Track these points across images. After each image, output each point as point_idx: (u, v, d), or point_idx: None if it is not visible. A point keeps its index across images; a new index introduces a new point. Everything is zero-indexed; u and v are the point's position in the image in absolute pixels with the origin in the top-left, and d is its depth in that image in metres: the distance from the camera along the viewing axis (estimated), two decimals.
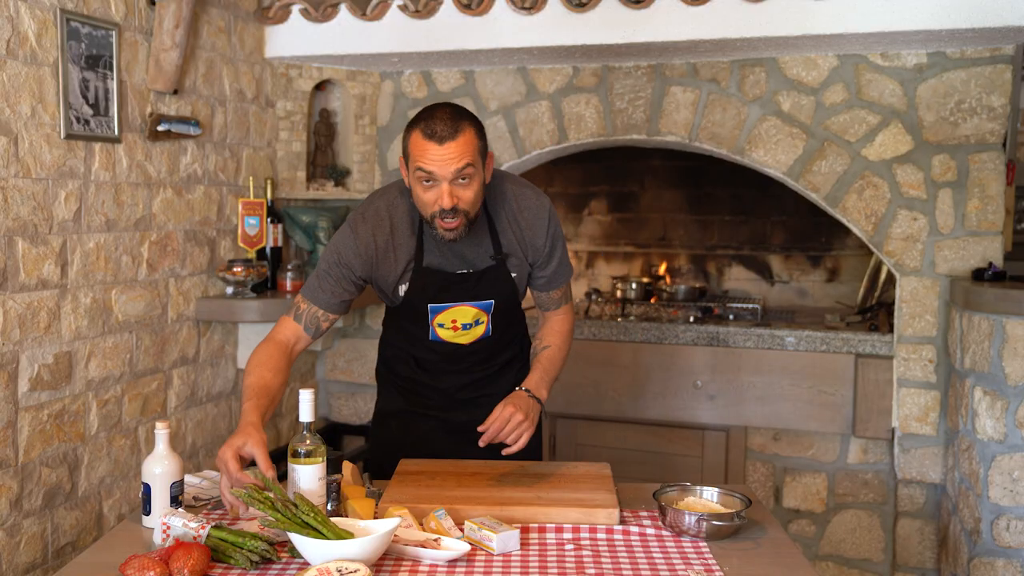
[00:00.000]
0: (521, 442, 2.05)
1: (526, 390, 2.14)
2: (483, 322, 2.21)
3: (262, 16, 3.53)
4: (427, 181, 1.96)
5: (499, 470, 2.14)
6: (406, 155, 2.01)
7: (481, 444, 2.06)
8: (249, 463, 1.84)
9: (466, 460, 2.24)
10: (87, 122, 2.70)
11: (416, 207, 2.06)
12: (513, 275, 2.20)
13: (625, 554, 1.78)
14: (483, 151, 2.02)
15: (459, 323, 2.19)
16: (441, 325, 2.20)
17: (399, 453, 2.27)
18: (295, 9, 3.51)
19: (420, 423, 2.37)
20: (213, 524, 1.76)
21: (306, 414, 1.86)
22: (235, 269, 3.26)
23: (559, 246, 2.23)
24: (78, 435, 2.73)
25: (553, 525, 1.88)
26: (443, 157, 1.92)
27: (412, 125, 1.98)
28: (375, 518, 1.85)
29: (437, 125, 1.93)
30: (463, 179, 1.96)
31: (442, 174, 1.93)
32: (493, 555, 1.76)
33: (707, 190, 4.49)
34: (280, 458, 3.44)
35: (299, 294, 2.20)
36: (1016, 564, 2.86)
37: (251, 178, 3.49)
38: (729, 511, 1.90)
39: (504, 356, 2.36)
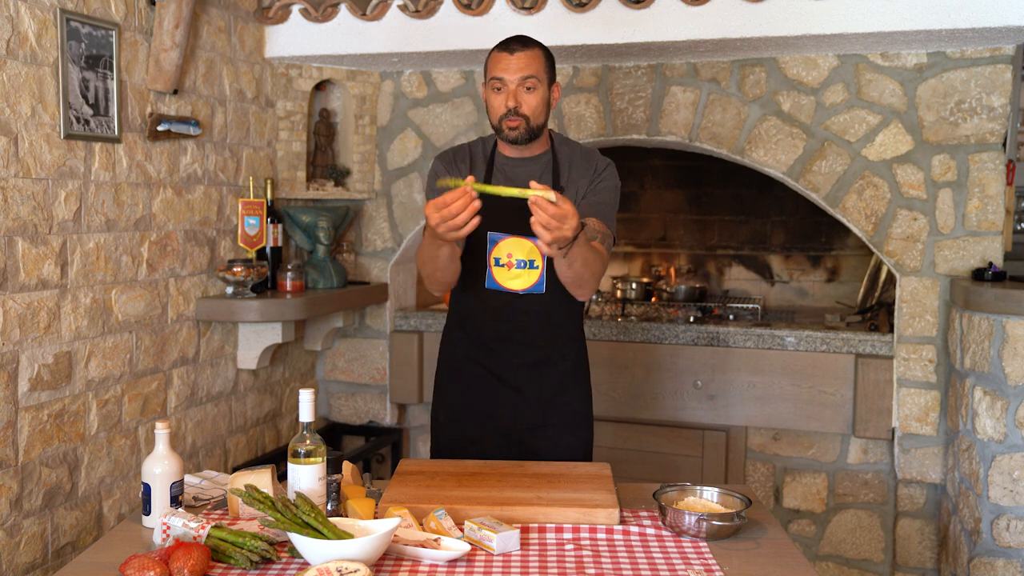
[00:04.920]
0: (553, 235, 1.96)
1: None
2: (537, 267, 2.31)
3: (262, 16, 3.53)
4: (498, 88, 2.28)
5: (499, 470, 2.14)
6: (485, 74, 2.33)
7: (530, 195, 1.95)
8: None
9: (466, 460, 2.25)
10: (87, 122, 2.70)
11: (488, 136, 2.39)
12: None
13: (625, 554, 1.78)
14: (549, 74, 2.31)
15: (514, 258, 2.32)
16: (497, 260, 2.32)
17: (452, 449, 2.44)
18: (295, 9, 3.51)
19: (471, 423, 2.44)
20: (213, 524, 1.76)
21: (306, 414, 1.86)
22: (235, 269, 3.26)
23: (608, 188, 2.35)
24: (78, 435, 2.73)
25: (553, 525, 1.88)
26: (512, 65, 2.25)
27: (493, 48, 2.32)
28: (375, 518, 1.85)
29: (512, 42, 2.29)
30: (528, 88, 2.26)
31: (510, 79, 2.25)
32: (493, 555, 1.76)
33: (707, 190, 4.49)
34: (280, 458, 3.46)
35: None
36: (1016, 564, 2.86)
37: (251, 178, 3.49)
38: (729, 511, 1.90)
39: (558, 338, 2.43)
